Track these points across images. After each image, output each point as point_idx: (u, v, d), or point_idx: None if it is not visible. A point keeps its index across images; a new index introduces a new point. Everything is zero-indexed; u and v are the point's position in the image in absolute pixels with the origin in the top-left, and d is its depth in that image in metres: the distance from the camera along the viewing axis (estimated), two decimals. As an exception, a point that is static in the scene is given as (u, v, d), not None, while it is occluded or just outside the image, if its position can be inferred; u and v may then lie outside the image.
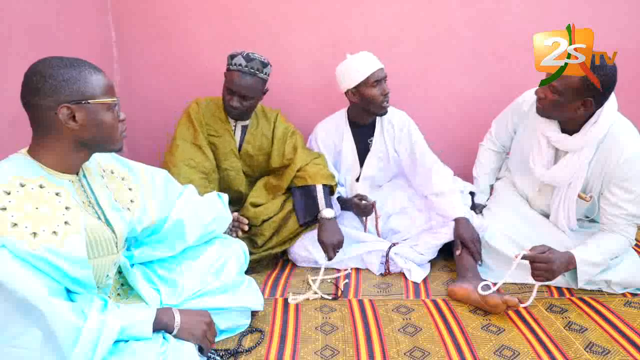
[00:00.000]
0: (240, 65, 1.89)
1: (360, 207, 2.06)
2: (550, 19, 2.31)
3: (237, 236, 1.92)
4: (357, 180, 2.22)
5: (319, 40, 2.41)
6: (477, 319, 1.63)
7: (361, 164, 2.22)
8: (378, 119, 2.17)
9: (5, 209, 1.01)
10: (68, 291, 1.09)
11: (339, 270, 1.96)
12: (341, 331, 1.56)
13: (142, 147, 2.51)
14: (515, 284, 1.83)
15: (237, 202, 2.09)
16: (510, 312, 1.64)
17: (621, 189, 1.69)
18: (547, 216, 1.94)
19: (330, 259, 1.87)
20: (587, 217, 1.89)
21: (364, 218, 2.14)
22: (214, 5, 2.36)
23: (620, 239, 1.72)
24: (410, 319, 1.64)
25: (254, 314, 1.61)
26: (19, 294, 0.97)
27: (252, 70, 1.89)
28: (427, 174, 2.10)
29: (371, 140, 2.20)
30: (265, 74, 1.94)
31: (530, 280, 1.70)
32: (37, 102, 1.05)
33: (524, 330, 1.56)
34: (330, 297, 1.76)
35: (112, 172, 1.32)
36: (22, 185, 1.06)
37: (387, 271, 1.96)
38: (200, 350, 1.30)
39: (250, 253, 1.79)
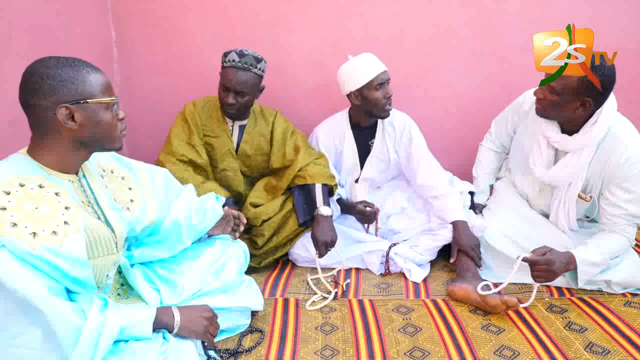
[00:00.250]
0: (233, 61, 1.89)
1: (366, 214, 2.05)
2: (550, 19, 2.31)
3: (237, 237, 1.92)
4: (357, 181, 2.22)
5: (319, 40, 2.41)
6: (477, 319, 1.63)
7: (361, 165, 2.21)
8: (380, 120, 2.16)
9: (5, 208, 1.01)
10: (68, 291, 1.09)
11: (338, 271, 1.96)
12: (341, 331, 1.56)
13: (142, 147, 2.51)
14: (515, 284, 1.82)
15: (236, 202, 2.09)
16: (510, 312, 1.64)
17: (621, 189, 1.68)
18: (547, 216, 1.94)
19: (320, 256, 1.86)
20: (587, 217, 1.89)
21: (366, 225, 2.14)
22: (214, 5, 2.36)
23: (621, 239, 1.72)
24: (410, 319, 1.64)
25: (254, 314, 1.61)
26: (19, 294, 0.97)
27: (246, 66, 1.89)
28: (426, 177, 2.10)
29: (372, 142, 2.18)
30: (260, 69, 1.93)
31: (530, 280, 1.70)
32: (36, 103, 1.05)
33: (524, 330, 1.56)
34: (334, 293, 1.76)
35: (112, 172, 1.31)
36: (22, 185, 1.05)
37: (387, 271, 1.96)
38: (204, 345, 1.30)
39: (251, 254, 1.79)
